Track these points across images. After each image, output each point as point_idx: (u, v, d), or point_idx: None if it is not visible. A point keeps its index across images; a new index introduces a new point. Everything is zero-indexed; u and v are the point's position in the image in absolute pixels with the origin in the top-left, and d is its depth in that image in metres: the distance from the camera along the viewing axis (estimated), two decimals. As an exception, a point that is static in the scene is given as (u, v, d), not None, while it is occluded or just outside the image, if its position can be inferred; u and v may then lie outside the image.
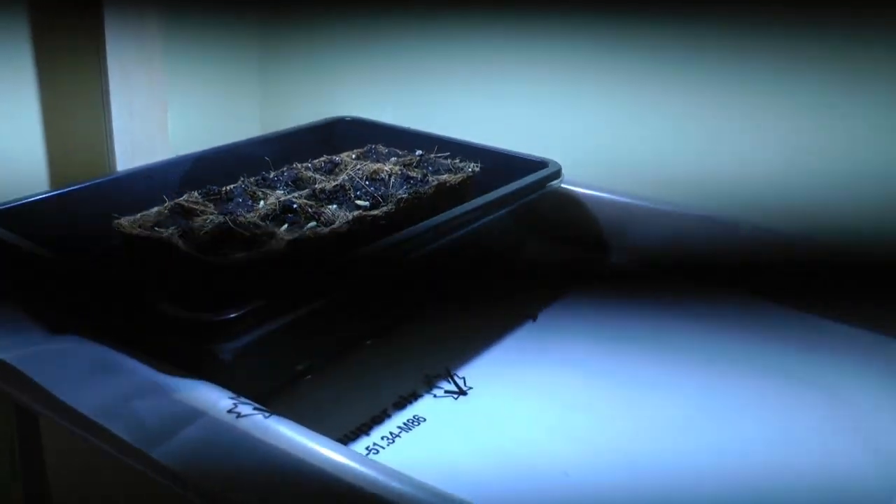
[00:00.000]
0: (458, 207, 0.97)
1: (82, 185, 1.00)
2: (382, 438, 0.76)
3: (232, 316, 0.71)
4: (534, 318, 1.00)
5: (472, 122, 1.31)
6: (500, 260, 1.14)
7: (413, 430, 0.78)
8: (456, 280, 1.06)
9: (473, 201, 0.99)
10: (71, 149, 1.17)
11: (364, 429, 0.78)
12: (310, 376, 0.86)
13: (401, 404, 0.82)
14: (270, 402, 0.69)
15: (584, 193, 1.17)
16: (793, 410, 0.83)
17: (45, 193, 0.98)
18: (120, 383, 0.68)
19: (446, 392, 0.85)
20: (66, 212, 0.98)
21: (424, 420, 0.80)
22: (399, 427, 0.79)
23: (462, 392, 0.85)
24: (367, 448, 0.75)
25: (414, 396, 0.84)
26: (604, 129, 1.20)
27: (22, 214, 0.93)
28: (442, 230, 0.93)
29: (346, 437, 0.76)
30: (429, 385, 0.86)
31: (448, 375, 0.87)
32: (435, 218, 0.93)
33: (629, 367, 0.90)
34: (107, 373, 0.69)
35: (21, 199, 0.95)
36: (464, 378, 0.87)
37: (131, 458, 0.62)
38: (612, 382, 0.87)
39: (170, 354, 0.73)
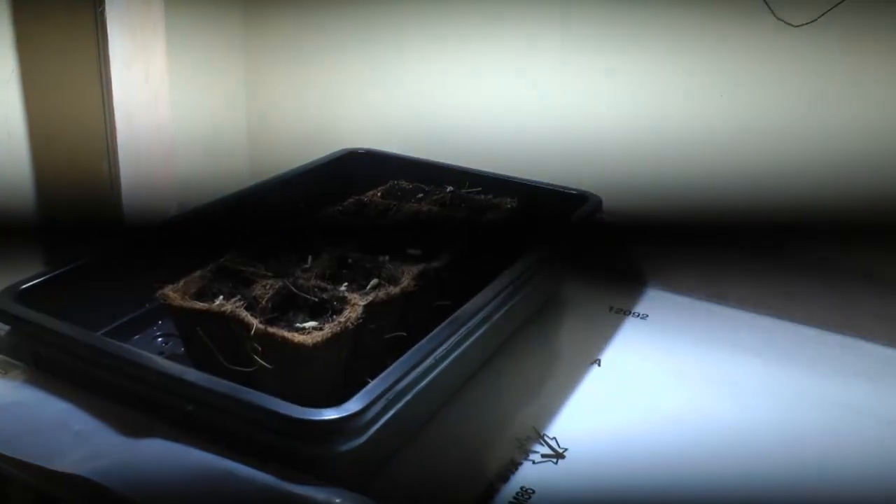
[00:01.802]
0: (525, 260, 0.91)
1: (102, 255, 0.91)
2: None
3: (355, 411, 0.63)
4: (598, 363, 0.96)
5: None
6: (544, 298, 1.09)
7: (527, 504, 0.73)
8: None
9: (538, 249, 0.93)
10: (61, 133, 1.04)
11: (480, 508, 0.72)
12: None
13: (503, 475, 0.77)
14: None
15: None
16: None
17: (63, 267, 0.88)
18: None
19: (543, 457, 0.79)
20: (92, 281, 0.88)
21: (533, 492, 0.74)
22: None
23: (560, 455, 0.80)
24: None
25: (513, 465, 0.78)
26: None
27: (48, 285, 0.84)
28: (518, 285, 0.87)
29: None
30: (523, 450, 0.80)
31: (539, 437, 0.82)
32: (508, 276, 0.88)
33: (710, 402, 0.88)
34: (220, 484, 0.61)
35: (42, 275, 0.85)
36: (555, 438, 0.81)
37: None
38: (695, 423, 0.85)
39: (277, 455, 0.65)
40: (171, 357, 0.87)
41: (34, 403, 0.72)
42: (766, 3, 0.96)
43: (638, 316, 1.07)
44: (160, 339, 0.91)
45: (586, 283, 1.14)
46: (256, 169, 1.36)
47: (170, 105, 1.05)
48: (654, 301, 1.11)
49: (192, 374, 0.67)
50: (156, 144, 1.04)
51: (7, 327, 0.78)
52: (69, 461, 0.64)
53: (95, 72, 0.98)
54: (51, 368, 0.78)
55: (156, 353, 0.88)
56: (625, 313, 1.07)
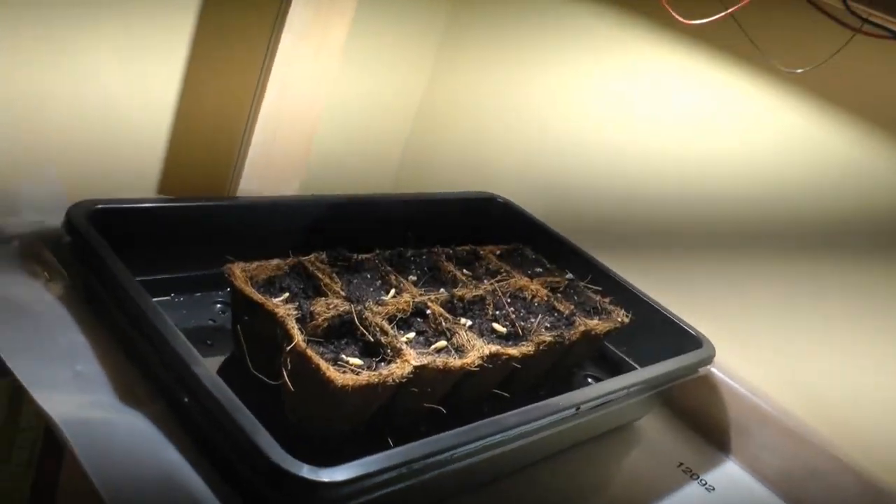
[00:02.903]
0: (603, 386, 0.83)
1: (194, 203, 0.87)
2: None
3: (335, 480, 0.57)
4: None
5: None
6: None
7: None
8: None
9: (621, 380, 0.84)
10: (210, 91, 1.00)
11: None
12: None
13: None
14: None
15: (722, 379, 1.02)
16: None
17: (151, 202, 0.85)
18: None
19: None
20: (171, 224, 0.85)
21: None
22: None
23: None
24: None
25: None
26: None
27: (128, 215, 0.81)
28: (582, 409, 0.79)
29: None
30: None
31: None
32: (575, 396, 0.79)
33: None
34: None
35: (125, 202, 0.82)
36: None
37: None
38: None
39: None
40: (216, 330, 0.83)
41: (53, 323, 0.69)
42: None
43: (704, 485, 0.96)
44: (219, 306, 0.87)
45: (671, 423, 1.03)
46: (401, 177, 1.31)
47: (334, 84, 1.01)
48: (729, 476, 0.99)
49: (200, 369, 0.61)
50: (298, 121, 1.00)
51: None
52: (53, 398, 0.60)
53: (266, 39, 0.94)
54: (87, 293, 0.75)
55: (207, 318, 0.85)
56: (692, 476, 0.96)
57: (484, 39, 1.24)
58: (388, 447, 0.73)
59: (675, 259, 1.09)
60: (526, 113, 1.21)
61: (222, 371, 0.77)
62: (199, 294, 0.87)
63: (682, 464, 0.98)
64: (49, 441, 0.82)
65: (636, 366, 1.00)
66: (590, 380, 0.99)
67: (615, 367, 1.01)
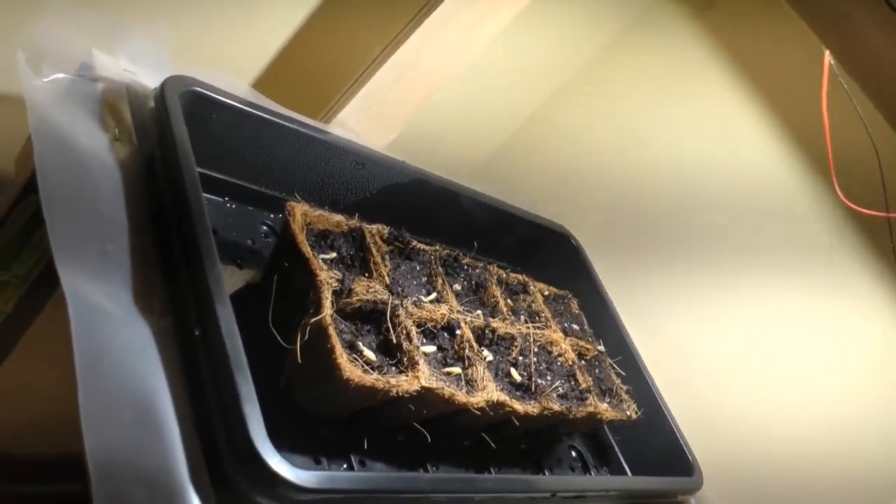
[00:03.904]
0: (586, 481, 0.80)
1: (286, 123, 0.83)
2: None
3: (297, 483, 0.54)
4: None
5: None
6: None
7: None
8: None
9: (605, 481, 0.82)
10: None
11: None
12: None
13: None
14: None
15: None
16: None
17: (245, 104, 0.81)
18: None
19: None
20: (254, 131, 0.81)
21: None
22: None
23: None
24: None
25: None
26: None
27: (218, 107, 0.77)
28: (557, 496, 0.76)
29: None
30: None
31: None
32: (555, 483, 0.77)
33: None
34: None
35: (220, 93, 0.78)
36: None
37: None
38: None
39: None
40: (252, 252, 0.81)
41: (103, 188, 0.66)
42: None
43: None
44: (265, 228, 0.84)
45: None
46: (481, 176, 1.27)
47: (471, 60, 0.97)
48: None
49: (223, 310, 0.59)
50: (426, 77, 0.96)
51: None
52: (74, 273, 0.57)
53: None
54: (147, 168, 0.72)
55: (249, 235, 0.82)
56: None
57: (625, 80, 1.20)
58: (362, 448, 0.71)
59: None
60: (633, 168, 1.17)
61: (240, 300, 0.74)
62: (251, 208, 0.84)
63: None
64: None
65: (622, 458, 0.98)
66: (573, 453, 0.96)
67: (601, 450, 0.98)
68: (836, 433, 1.02)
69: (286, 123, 0.82)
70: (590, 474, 0.92)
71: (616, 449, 0.99)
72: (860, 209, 0.89)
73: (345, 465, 0.69)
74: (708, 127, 1.14)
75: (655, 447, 0.95)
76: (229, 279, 0.76)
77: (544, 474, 0.87)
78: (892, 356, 1.00)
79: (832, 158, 0.87)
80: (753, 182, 1.08)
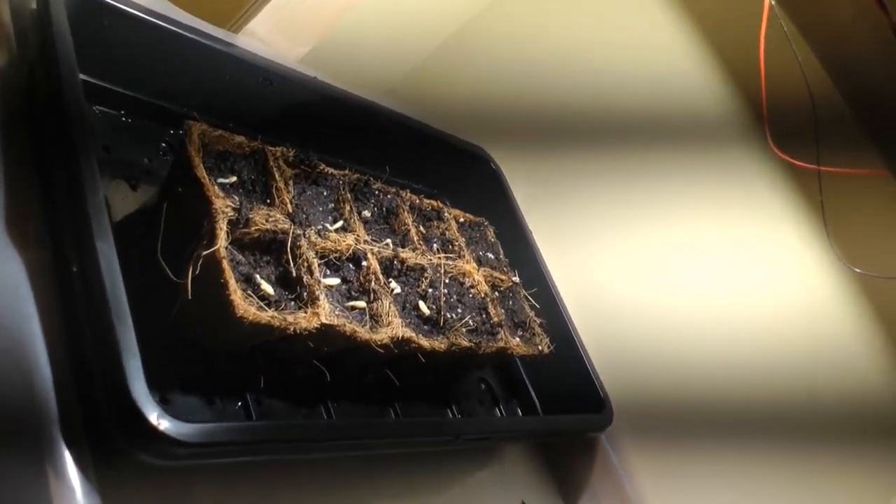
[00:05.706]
0: (493, 423, 0.79)
1: (188, 33, 0.77)
2: None
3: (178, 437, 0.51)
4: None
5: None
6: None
7: None
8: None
9: (512, 422, 0.80)
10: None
11: None
12: None
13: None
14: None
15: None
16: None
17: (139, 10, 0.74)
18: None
19: None
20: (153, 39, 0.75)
21: None
22: None
23: None
24: None
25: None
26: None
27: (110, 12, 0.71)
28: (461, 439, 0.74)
29: None
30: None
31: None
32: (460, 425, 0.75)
33: None
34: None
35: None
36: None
37: None
38: None
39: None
40: (147, 172, 0.75)
41: None
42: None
43: None
44: (165, 145, 0.79)
45: (533, 460, 1.00)
46: (400, 93, 1.21)
47: None
48: None
49: (103, 245, 0.54)
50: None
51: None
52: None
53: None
54: (28, 80, 0.66)
55: (145, 154, 0.77)
56: None
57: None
58: (258, 386, 0.68)
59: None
60: (559, 93, 1.13)
61: (130, 226, 0.69)
62: (151, 124, 0.78)
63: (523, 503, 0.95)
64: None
65: (532, 391, 0.97)
66: (482, 385, 0.94)
67: (511, 383, 0.97)
68: (749, 365, 1.02)
69: (186, 33, 0.76)
70: (498, 408, 0.91)
71: (527, 382, 0.98)
72: (791, 160, 0.88)
73: (239, 404, 0.66)
74: (639, 54, 1.10)
75: (567, 381, 0.94)
76: (122, 202, 0.71)
77: (451, 409, 0.85)
78: (805, 290, 1.00)
79: (765, 100, 0.85)
80: (683, 114, 1.05)
